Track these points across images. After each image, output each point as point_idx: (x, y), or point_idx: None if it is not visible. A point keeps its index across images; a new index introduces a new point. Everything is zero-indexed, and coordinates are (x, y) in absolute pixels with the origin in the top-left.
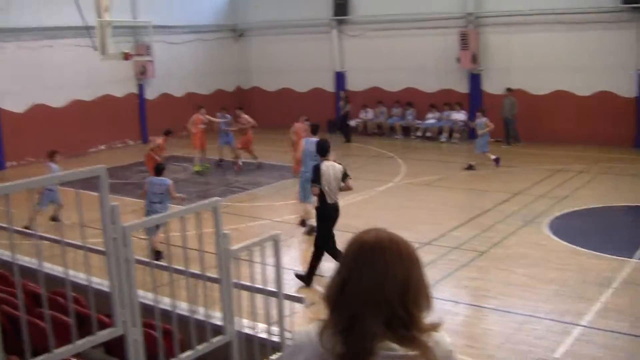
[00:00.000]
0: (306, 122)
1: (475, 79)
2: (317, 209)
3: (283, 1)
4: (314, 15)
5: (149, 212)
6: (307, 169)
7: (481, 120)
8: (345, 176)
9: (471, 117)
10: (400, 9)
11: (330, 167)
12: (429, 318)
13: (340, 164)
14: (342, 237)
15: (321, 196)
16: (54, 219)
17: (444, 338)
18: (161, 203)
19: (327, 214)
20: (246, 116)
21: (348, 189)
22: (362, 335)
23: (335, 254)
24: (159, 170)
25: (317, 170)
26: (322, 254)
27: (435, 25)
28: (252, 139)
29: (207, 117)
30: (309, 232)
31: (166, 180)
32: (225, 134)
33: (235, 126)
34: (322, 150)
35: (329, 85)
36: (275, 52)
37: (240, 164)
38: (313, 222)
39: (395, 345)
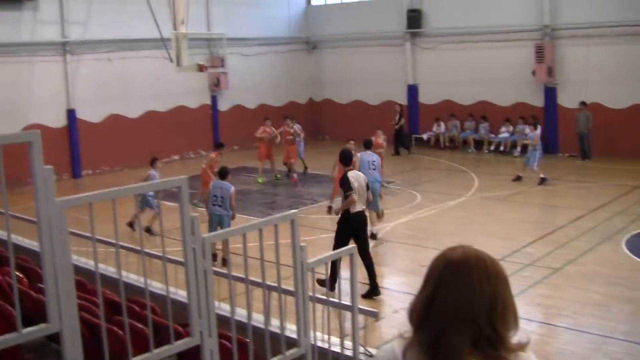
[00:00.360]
0: (352, 142)
1: (550, 93)
2: (341, 216)
3: (356, 14)
4: (387, 28)
5: (210, 215)
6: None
7: (533, 134)
8: (367, 187)
9: (547, 131)
10: (475, 22)
11: (355, 178)
12: (516, 337)
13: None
14: (409, 251)
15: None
16: (131, 225)
17: (531, 358)
18: (221, 206)
19: (351, 222)
20: (298, 125)
21: (368, 201)
22: (449, 353)
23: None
24: (223, 174)
25: (346, 179)
26: (371, 260)
27: (510, 37)
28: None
29: (272, 129)
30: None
31: (229, 185)
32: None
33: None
34: (346, 160)
35: (402, 98)
36: (347, 64)
37: (296, 176)
38: (374, 228)
39: None
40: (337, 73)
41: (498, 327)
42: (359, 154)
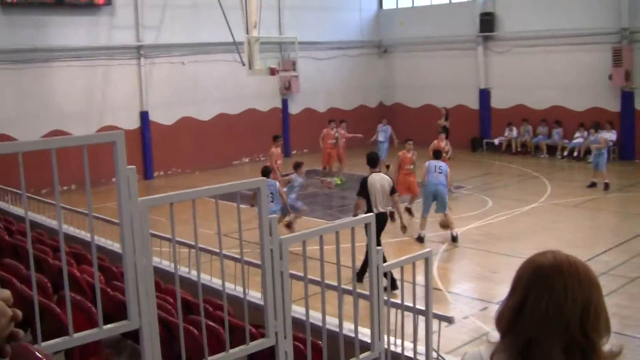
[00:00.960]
0: (410, 143)
1: (627, 97)
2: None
3: (428, 18)
4: (459, 32)
5: None
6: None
7: (597, 137)
8: (393, 191)
9: (624, 136)
10: (550, 25)
11: (378, 180)
12: (608, 345)
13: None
14: (480, 257)
15: (368, 207)
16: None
17: None
18: (272, 202)
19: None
20: (388, 127)
21: (395, 203)
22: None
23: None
24: (265, 173)
25: (363, 183)
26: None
27: (585, 41)
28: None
29: (340, 131)
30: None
31: (274, 181)
32: (382, 144)
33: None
34: (372, 162)
35: (474, 103)
36: (419, 68)
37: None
38: (454, 231)
39: None
40: (408, 77)
41: (591, 334)
42: (427, 162)
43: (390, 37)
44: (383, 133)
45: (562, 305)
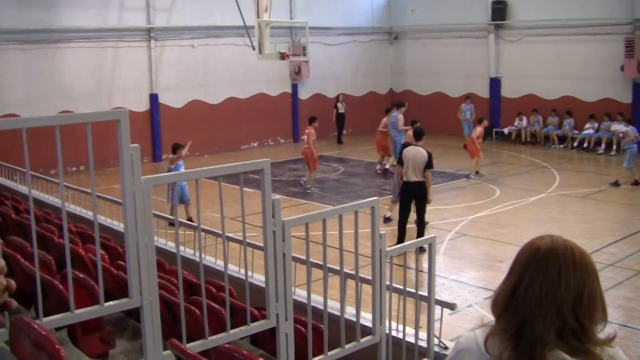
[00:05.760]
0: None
1: (639, 89)
2: None
3: (440, 5)
4: (471, 20)
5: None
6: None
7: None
8: (428, 166)
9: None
10: (562, 14)
11: (412, 152)
12: (604, 331)
13: None
14: (486, 246)
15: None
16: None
17: (618, 353)
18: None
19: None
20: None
21: (426, 179)
22: (533, 342)
23: None
24: (174, 149)
25: (400, 152)
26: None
27: (597, 31)
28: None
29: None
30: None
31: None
32: (467, 124)
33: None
34: (416, 135)
35: (484, 91)
36: (429, 55)
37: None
38: None
39: (567, 356)
40: (418, 64)
41: (583, 319)
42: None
43: (401, 24)
44: (469, 112)
45: (555, 288)
